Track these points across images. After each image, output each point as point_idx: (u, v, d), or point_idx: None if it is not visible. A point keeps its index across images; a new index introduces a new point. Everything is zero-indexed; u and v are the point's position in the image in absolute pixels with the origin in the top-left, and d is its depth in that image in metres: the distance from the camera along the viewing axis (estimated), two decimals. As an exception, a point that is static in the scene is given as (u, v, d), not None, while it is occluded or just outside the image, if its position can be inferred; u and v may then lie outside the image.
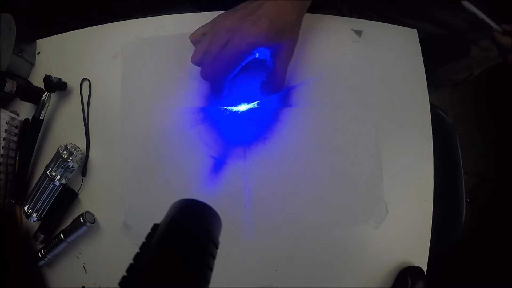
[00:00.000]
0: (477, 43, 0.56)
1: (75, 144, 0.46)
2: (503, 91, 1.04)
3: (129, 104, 0.46)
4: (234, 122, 0.42)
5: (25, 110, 0.51)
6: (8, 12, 0.48)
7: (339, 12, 0.62)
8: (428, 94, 0.43)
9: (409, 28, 0.45)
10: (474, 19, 0.39)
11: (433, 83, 0.73)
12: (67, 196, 0.46)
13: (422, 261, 0.40)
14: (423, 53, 0.44)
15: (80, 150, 0.45)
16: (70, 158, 0.44)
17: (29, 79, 0.52)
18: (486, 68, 0.63)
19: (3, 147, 0.47)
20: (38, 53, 0.53)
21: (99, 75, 0.48)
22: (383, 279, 0.40)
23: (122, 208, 0.44)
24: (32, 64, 0.53)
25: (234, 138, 0.43)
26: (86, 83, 0.48)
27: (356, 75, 0.43)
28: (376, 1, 0.57)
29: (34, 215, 0.45)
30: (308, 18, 0.41)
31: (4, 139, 0.47)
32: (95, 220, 0.45)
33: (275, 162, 0.41)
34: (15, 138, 0.49)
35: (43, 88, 0.46)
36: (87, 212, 0.44)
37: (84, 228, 0.44)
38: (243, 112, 0.42)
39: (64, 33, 0.52)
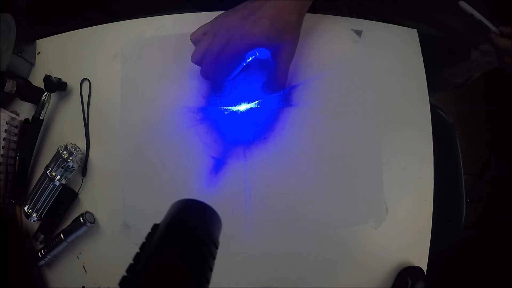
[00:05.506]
0: (477, 47, 0.56)
1: (75, 144, 0.46)
2: (501, 93, 1.04)
3: (129, 104, 0.46)
4: (234, 122, 0.42)
5: (25, 110, 0.51)
6: (8, 12, 0.48)
7: (339, 13, 0.62)
8: (428, 94, 0.43)
9: (409, 28, 0.45)
10: (472, 20, 0.39)
11: (433, 86, 0.72)
12: (67, 196, 0.46)
13: (422, 261, 0.40)
14: (423, 57, 0.44)
15: (80, 150, 0.45)
16: (70, 158, 0.44)
17: (29, 79, 0.52)
18: (486, 71, 0.63)
19: (3, 147, 0.47)
20: (38, 53, 0.53)
21: (99, 75, 0.48)
22: (383, 279, 0.40)
23: (122, 208, 0.44)
24: (32, 64, 0.53)
25: (235, 138, 0.43)
26: (86, 83, 0.48)
27: (356, 75, 0.43)
28: (376, 3, 0.57)
29: (34, 215, 0.45)
30: (308, 18, 0.41)
31: (4, 139, 0.47)
32: (95, 220, 0.45)
33: (275, 162, 0.41)
34: (15, 138, 0.49)
35: (43, 88, 0.46)
36: (87, 212, 0.44)
37: (84, 228, 0.44)
38: (243, 112, 0.42)
39: (64, 33, 0.52)
